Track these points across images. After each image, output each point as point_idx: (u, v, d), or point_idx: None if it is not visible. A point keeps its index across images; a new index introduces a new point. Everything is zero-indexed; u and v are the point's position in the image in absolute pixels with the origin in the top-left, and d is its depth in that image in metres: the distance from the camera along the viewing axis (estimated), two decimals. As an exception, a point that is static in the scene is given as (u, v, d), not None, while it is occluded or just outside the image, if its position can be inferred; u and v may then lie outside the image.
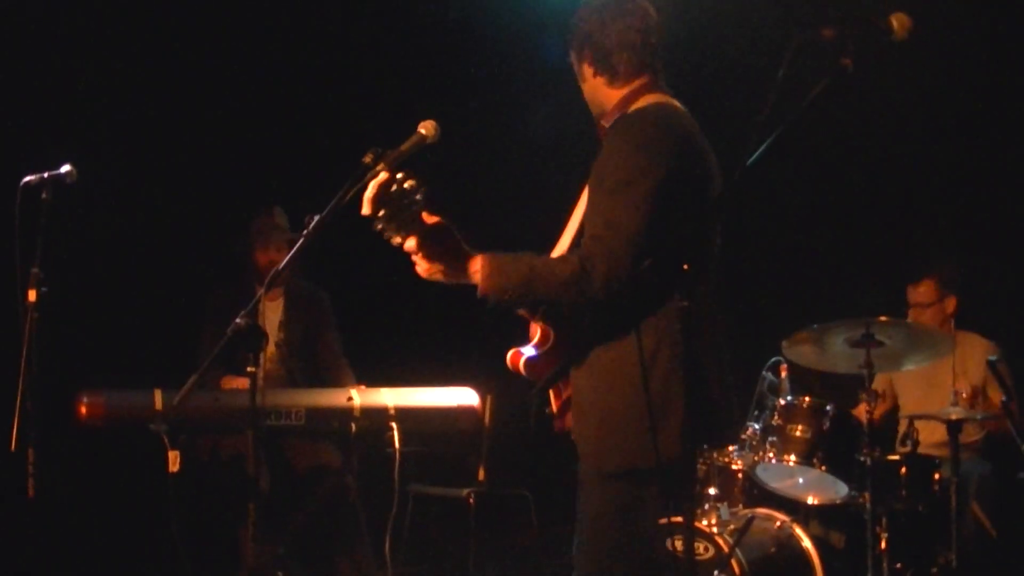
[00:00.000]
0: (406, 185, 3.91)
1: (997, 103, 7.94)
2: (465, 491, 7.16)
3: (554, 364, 4.19)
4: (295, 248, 4.21)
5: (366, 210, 3.91)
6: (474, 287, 4.00)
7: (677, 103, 4.24)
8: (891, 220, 8.26)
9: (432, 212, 3.99)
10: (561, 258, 4.03)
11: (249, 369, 4.25)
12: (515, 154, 8.36)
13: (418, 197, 3.93)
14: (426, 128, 4.30)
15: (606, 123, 4.25)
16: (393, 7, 8.38)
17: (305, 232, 4.20)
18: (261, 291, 4.39)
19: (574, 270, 3.91)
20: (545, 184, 7.47)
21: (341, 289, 7.46)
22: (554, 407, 4.33)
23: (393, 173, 3.91)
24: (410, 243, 3.99)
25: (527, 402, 4.35)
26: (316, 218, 4.19)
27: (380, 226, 3.93)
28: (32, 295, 5.58)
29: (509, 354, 4.26)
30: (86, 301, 7.14)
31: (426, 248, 4.01)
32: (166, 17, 7.74)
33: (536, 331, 4.26)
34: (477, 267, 3.98)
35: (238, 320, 4.17)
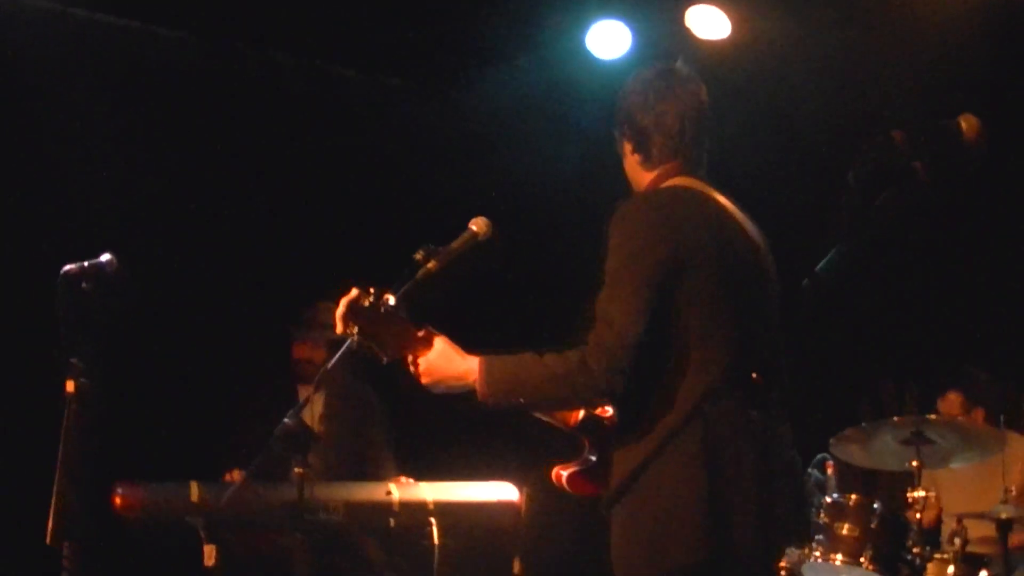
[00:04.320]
0: (381, 299, 3.84)
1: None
2: (501, 585, 7.04)
3: (597, 477, 4.06)
4: (344, 347, 4.12)
5: (338, 329, 3.87)
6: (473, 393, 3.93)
7: (705, 187, 4.12)
8: (940, 317, 8.20)
9: (419, 323, 3.93)
10: (559, 355, 3.91)
11: (296, 470, 4.18)
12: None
13: (402, 314, 3.86)
14: (477, 225, 4.25)
15: None
16: (444, 102, 8.39)
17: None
18: (311, 391, 4.32)
19: (570, 367, 3.82)
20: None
21: (377, 383, 7.39)
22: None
23: (364, 288, 3.84)
24: (409, 359, 3.94)
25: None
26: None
27: (357, 343, 3.86)
28: (70, 386, 5.50)
29: (553, 472, 4.17)
30: (127, 391, 7.09)
31: (420, 363, 3.96)
32: (210, 105, 7.74)
33: (583, 444, 4.16)
34: (474, 373, 3.91)
35: (286, 420, 4.09)
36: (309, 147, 8.05)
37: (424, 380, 3.98)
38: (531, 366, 3.88)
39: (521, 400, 3.93)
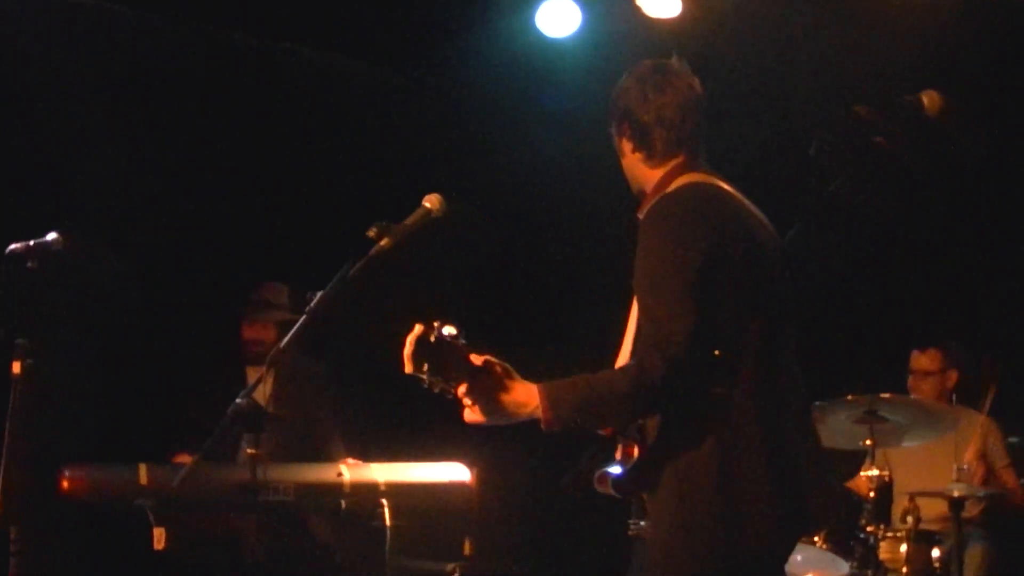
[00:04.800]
0: (445, 332, 3.70)
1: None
2: (450, 566, 7.02)
3: (643, 476, 3.93)
4: (298, 326, 4.09)
5: (408, 369, 3.69)
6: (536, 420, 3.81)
7: (718, 180, 4.08)
8: (896, 297, 8.19)
9: (478, 349, 3.79)
10: (619, 371, 3.85)
11: (249, 451, 4.14)
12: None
13: (462, 342, 3.71)
14: (431, 201, 4.24)
15: (641, 213, 4.05)
16: (397, 82, 8.33)
17: (308, 309, 4.09)
18: (262, 371, 4.27)
19: (632, 380, 3.73)
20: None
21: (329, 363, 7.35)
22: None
23: (428, 323, 3.71)
24: (461, 390, 3.78)
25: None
26: (319, 295, 4.09)
27: (427, 381, 3.71)
28: (17, 367, 5.42)
29: (595, 478, 4.04)
30: (75, 372, 7.01)
31: (478, 392, 3.80)
32: (165, 86, 7.65)
33: (619, 447, 4.05)
34: (535, 401, 3.78)
35: (239, 400, 4.04)
36: (258, 127, 7.97)
37: (482, 410, 3.82)
38: (594, 386, 3.78)
39: (588, 421, 3.86)
